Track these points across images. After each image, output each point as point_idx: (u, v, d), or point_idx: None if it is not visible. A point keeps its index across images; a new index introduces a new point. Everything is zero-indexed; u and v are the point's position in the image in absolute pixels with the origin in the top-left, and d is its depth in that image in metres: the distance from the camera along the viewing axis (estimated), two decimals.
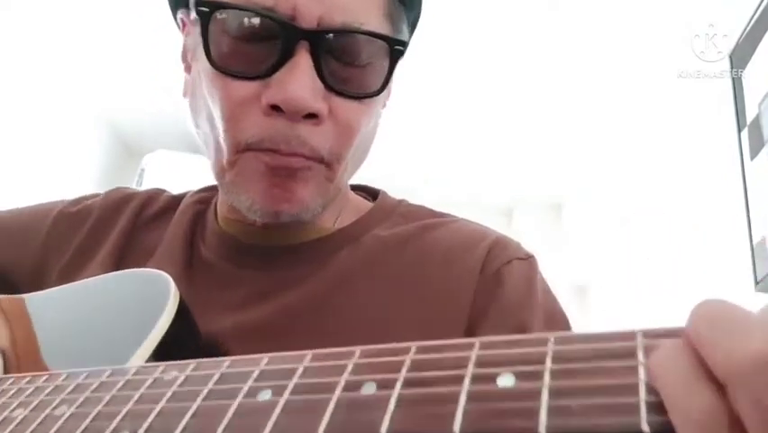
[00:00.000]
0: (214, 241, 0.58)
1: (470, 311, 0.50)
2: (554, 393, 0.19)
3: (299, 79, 0.45)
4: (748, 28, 1.56)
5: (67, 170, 2.58)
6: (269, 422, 0.24)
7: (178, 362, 0.31)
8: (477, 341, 0.23)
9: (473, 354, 0.22)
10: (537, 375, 0.20)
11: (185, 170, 2.54)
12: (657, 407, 0.18)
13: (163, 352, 0.40)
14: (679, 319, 0.21)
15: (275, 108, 0.46)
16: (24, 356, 0.45)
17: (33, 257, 0.61)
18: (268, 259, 0.55)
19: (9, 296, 0.53)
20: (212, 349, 0.48)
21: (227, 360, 0.30)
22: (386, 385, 0.23)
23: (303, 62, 0.46)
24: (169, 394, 0.29)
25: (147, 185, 2.56)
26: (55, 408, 0.32)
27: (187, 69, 0.56)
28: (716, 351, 0.18)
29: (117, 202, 0.64)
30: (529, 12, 1.90)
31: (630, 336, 0.20)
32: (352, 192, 0.62)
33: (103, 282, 0.51)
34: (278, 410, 0.24)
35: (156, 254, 0.58)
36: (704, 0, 1.69)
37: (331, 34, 0.46)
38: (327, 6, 0.46)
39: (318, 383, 0.25)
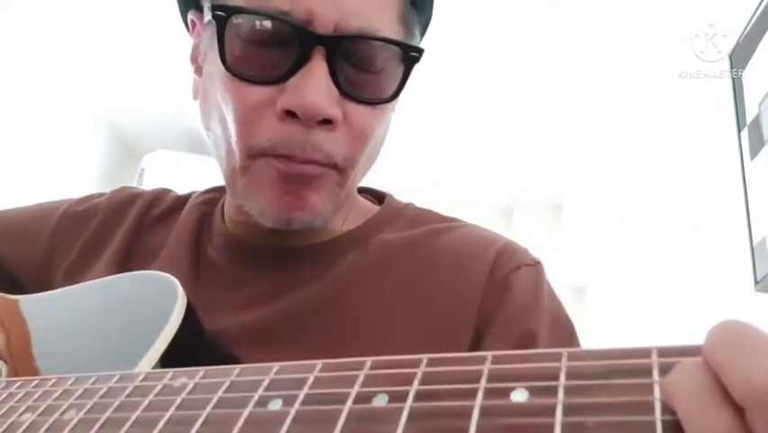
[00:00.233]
0: (220, 241, 0.58)
1: (477, 316, 0.50)
2: (569, 410, 0.19)
3: (315, 84, 0.45)
4: (748, 28, 1.56)
5: (67, 169, 2.57)
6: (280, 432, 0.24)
7: (187, 369, 0.31)
8: (489, 355, 0.23)
9: (486, 368, 0.22)
10: (551, 391, 0.20)
11: (185, 170, 2.54)
12: (673, 426, 0.18)
13: (170, 356, 0.40)
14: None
15: (290, 114, 0.46)
16: (16, 356, 0.45)
17: (39, 255, 0.61)
18: (275, 260, 0.55)
19: (3, 295, 0.53)
20: (218, 350, 0.48)
21: (236, 368, 0.30)
22: (398, 398, 0.23)
23: (319, 67, 0.45)
24: (178, 402, 0.29)
25: (147, 185, 2.56)
26: (63, 412, 0.31)
27: (197, 70, 0.55)
28: (733, 374, 0.19)
29: (123, 202, 0.64)
30: (529, 12, 1.90)
31: (645, 353, 0.20)
32: (359, 195, 0.62)
33: (107, 285, 0.51)
34: (289, 421, 0.24)
35: (162, 254, 0.58)
36: (704, 0, 1.69)
37: (347, 40, 0.46)
38: (343, 12, 0.46)
39: (329, 394, 0.25)
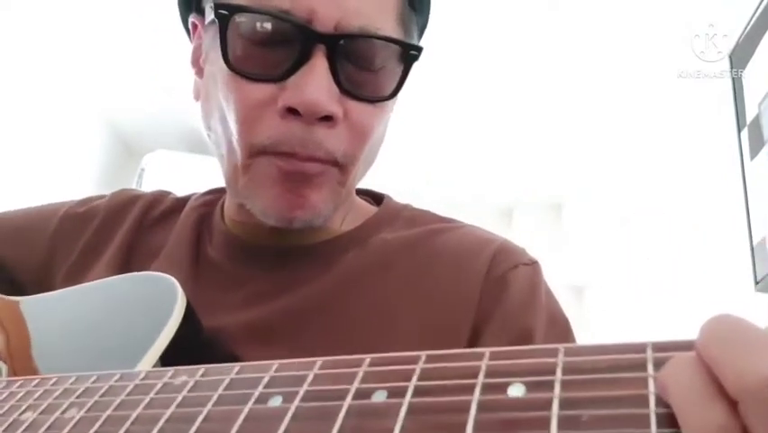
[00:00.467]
0: (220, 241, 0.58)
1: (475, 314, 0.50)
2: (565, 404, 0.20)
3: (316, 82, 0.46)
4: (748, 28, 1.56)
5: (67, 169, 2.57)
6: (280, 428, 0.24)
7: (188, 367, 0.31)
8: (487, 351, 0.23)
9: (483, 364, 0.22)
10: (548, 386, 0.20)
11: (185, 170, 2.54)
12: (667, 419, 0.19)
13: (170, 356, 0.40)
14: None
15: (291, 111, 0.47)
16: (16, 357, 0.46)
17: (40, 256, 0.61)
18: (275, 259, 0.55)
19: (3, 297, 0.53)
20: (218, 349, 0.48)
21: (237, 366, 0.30)
22: (396, 393, 0.23)
23: (319, 65, 0.46)
24: (179, 399, 0.29)
25: (147, 185, 2.57)
26: (64, 411, 0.32)
27: (199, 72, 0.56)
28: (727, 368, 0.19)
29: (123, 203, 0.65)
30: (529, 12, 1.90)
31: (640, 348, 0.21)
32: (357, 197, 0.63)
33: (107, 285, 0.51)
34: (289, 417, 0.25)
35: (162, 254, 0.59)
36: (704, 0, 1.69)
37: (347, 39, 0.47)
38: (344, 11, 0.46)
39: (329, 390, 0.25)
